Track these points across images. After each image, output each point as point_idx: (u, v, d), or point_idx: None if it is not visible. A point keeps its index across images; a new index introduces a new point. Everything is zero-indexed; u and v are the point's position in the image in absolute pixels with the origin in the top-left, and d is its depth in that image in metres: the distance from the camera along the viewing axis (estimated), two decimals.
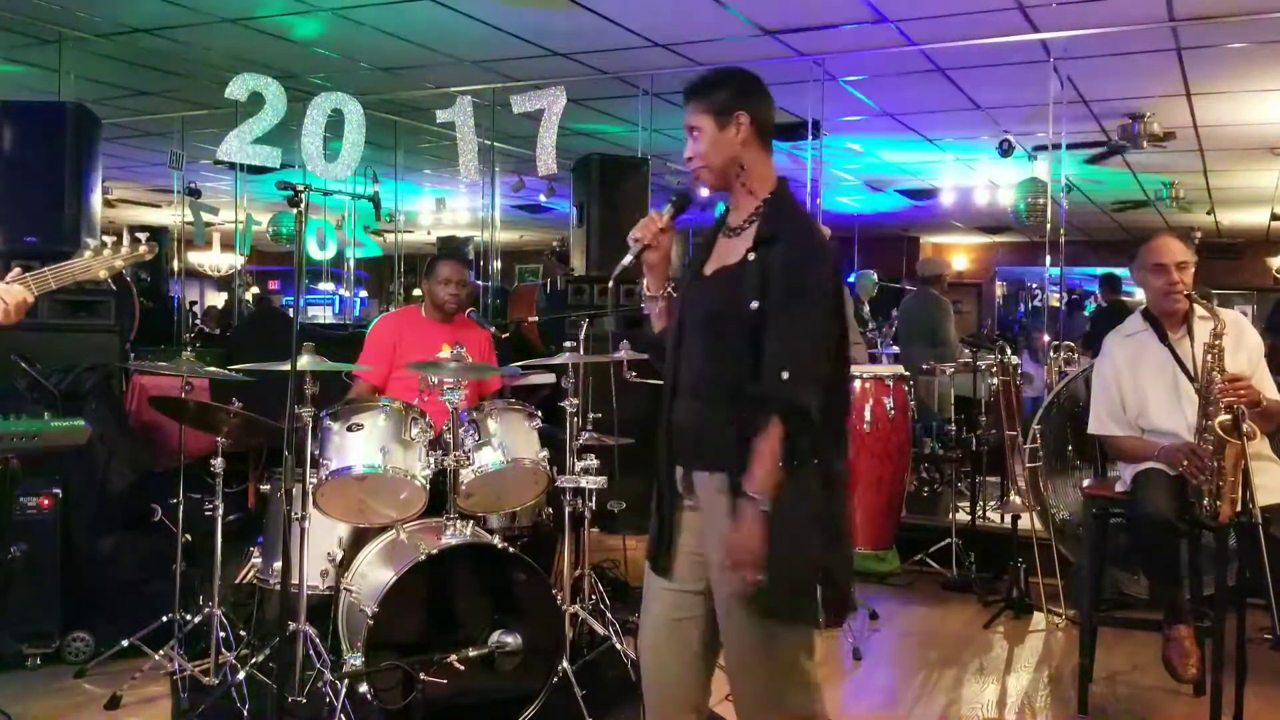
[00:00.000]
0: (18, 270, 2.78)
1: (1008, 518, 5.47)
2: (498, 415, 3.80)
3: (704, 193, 2.48)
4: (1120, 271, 15.01)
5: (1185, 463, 3.38)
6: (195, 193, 9.69)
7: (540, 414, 3.92)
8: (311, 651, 3.47)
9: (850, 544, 2.35)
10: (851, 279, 11.18)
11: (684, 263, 2.59)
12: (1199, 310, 3.57)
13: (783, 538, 2.14)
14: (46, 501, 4.10)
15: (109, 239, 2.91)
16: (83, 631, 4.08)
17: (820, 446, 2.19)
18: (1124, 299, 11.02)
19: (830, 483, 2.22)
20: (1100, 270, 11.63)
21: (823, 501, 2.20)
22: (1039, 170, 7.94)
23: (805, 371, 2.16)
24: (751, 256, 2.25)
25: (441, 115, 5.28)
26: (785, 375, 2.14)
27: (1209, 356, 3.39)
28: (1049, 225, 7.19)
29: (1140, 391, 3.67)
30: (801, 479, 2.17)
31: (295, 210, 3.05)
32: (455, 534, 3.51)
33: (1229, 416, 3.29)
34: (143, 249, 2.93)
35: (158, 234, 9.64)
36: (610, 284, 2.57)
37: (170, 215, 10.87)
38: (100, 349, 4.71)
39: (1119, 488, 3.79)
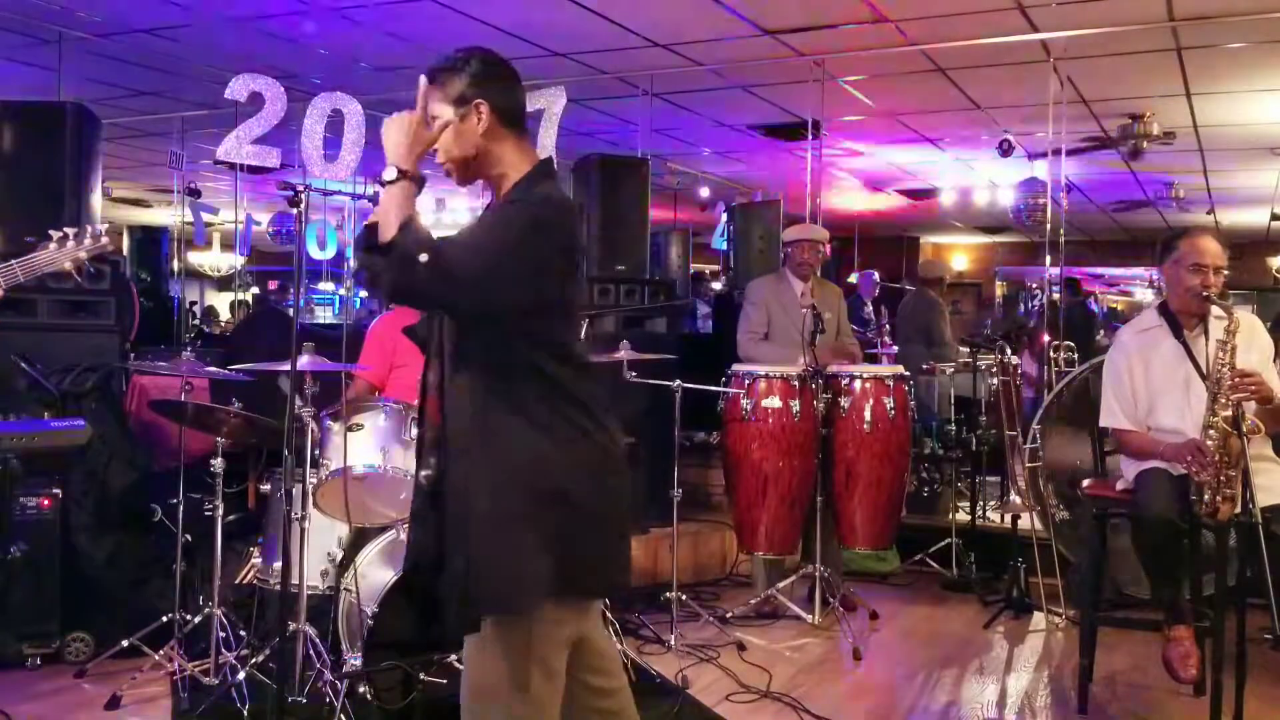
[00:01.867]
0: None
1: (1007, 517, 5.47)
2: None
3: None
4: (1107, 272, 15.01)
5: (1189, 458, 3.37)
6: (195, 193, 9.70)
7: None
8: (311, 651, 3.47)
9: (590, 532, 2.13)
10: (853, 279, 11.19)
11: None
12: (1215, 310, 3.57)
13: (472, 518, 2.05)
14: (46, 501, 4.10)
15: (70, 230, 2.92)
16: (83, 631, 4.08)
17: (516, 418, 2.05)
18: (1083, 300, 11.08)
19: (547, 451, 2.07)
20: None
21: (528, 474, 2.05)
22: (1039, 170, 7.94)
23: (445, 263, 1.95)
24: None
25: None
26: (424, 258, 1.93)
27: (1221, 352, 3.39)
28: (1049, 225, 7.19)
29: (1151, 388, 3.67)
30: (501, 442, 2.04)
31: (295, 210, 3.05)
32: None
33: (1233, 412, 3.29)
34: (105, 240, 2.97)
35: (157, 234, 9.67)
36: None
37: (170, 215, 10.88)
38: (100, 349, 4.70)
39: (1119, 486, 3.79)
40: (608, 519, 2.18)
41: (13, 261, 2.82)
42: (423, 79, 2.19)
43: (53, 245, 2.90)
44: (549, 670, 2.14)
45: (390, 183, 2.04)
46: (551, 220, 2.09)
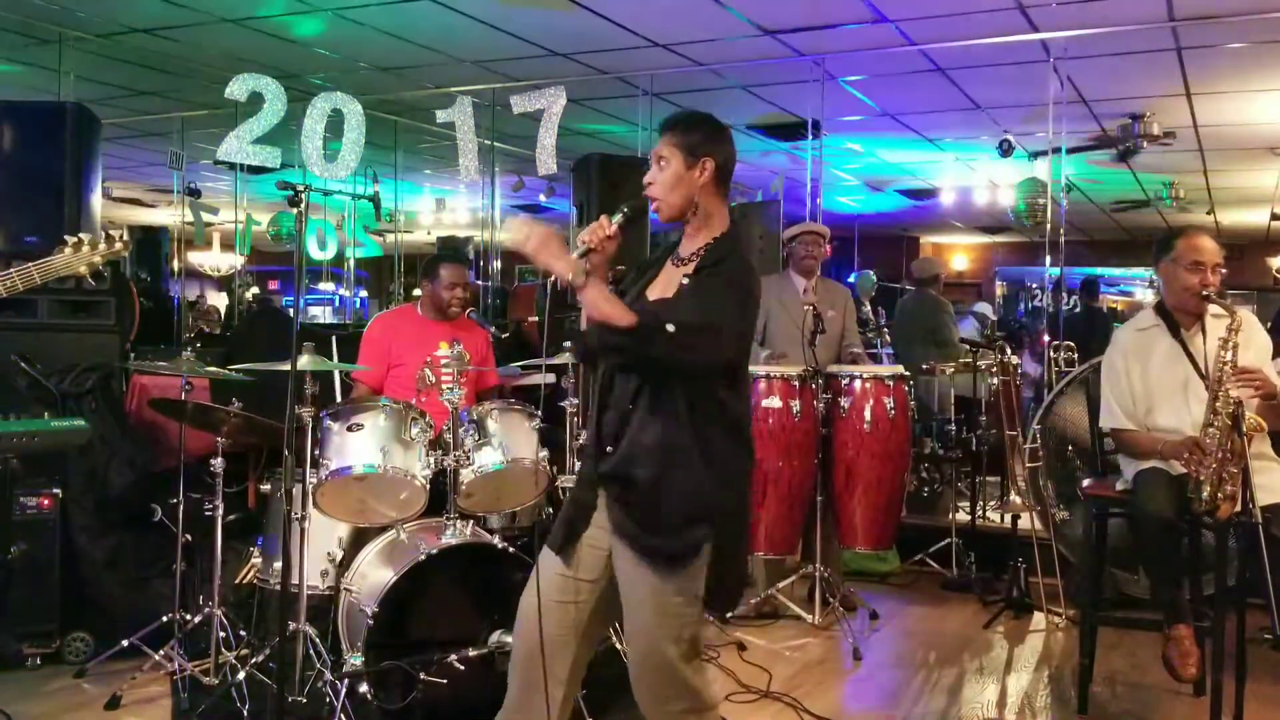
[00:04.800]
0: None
1: (1007, 517, 5.47)
2: (498, 415, 3.80)
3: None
4: (1106, 272, 14.97)
5: (1188, 455, 3.37)
6: (195, 193, 9.70)
7: (540, 414, 3.92)
8: (311, 651, 3.47)
9: (744, 535, 2.57)
10: (852, 279, 11.20)
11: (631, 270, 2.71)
12: (1213, 309, 3.57)
13: (672, 493, 2.38)
14: (46, 501, 4.10)
15: (85, 235, 3.02)
16: (83, 631, 4.08)
17: (714, 431, 2.40)
18: (1098, 305, 11.05)
19: (718, 463, 2.41)
20: (1082, 271, 11.64)
21: (712, 476, 2.39)
22: (1039, 170, 7.94)
23: (691, 334, 2.32)
24: (686, 282, 2.46)
25: (441, 115, 5.28)
26: (670, 329, 2.31)
27: (1223, 350, 3.39)
28: (1049, 225, 7.19)
29: (1149, 387, 3.67)
30: (688, 447, 2.38)
31: (295, 210, 3.06)
32: (455, 534, 3.51)
33: (1234, 409, 3.29)
34: (118, 245, 3.06)
35: (157, 234, 9.67)
36: (545, 285, 2.66)
37: (170, 215, 10.88)
38: (100, 349, 4.70)
39: (1119, 486, 3.79)
40: (743, 539, 2.57)
41: (30, 265, 2.92)
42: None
43: (68, 250, 2.98)
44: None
45: (584, 288, 2.36)
46: (754, 288, 2.49)
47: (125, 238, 3.08)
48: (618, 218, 2.47)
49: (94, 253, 2.99)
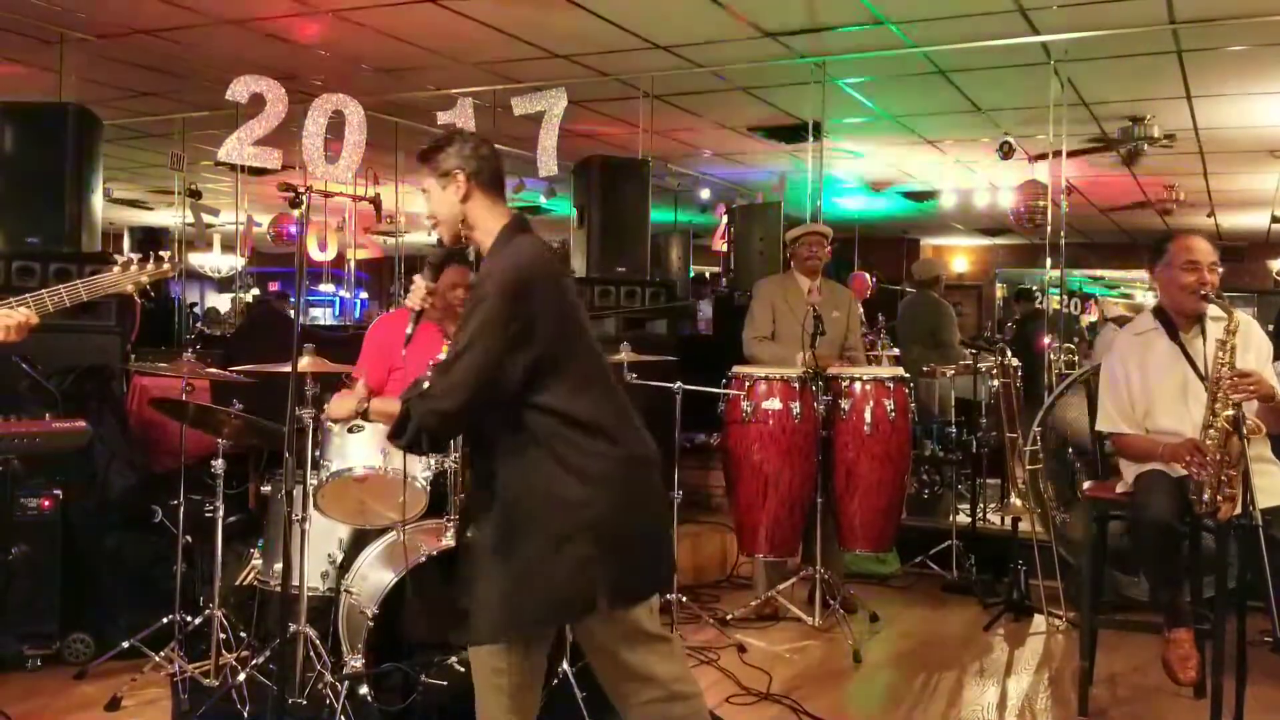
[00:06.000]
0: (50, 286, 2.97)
1: (1008, 520, 5.47)
2: None
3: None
4: (1106, 274, 14.92)
5: (1188, 458, 3.37)
6: (196, 194, 9.70)
7: None
8: (312, 653, 3.47)
9: (636, 527, 2.45)
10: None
11: None
12: (1212, 310, 3.57)
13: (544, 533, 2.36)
14: (47, 502, 4.10)
15: (136, 255, 3.09)
16: (83, 632, 4.08)
17: (561, 443, 2.35)
18: (1039, 309, 11.09)
19: (577, 472, 2.35)
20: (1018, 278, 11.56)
21: (578, 490, 2.35)
22: (1039, 172, 7.94)
23: (442, 393, 2.31)
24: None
25: (442, 117, 5.28)
26: (425, 385, 2.34)
27: (1221, 352, 3.39)
28: (1049, 227, 7.19)
29: (1148, 390, 3.67)
30: (542, 477, 2.36)
31: (296, 211, 3.06)
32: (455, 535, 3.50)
33: (1234, 413, 3.29)
34: (166, 266, 3.12)
35: (158, 235, 9.68)
36: (406, 340, 2.74)
37: (171, 216, 10.88)
38: (101, 350, 4.70)
39: (1119, 489, 3.79)
40: (637, 528, 2.46)
41: (78, 282, 2.98)
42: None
43: (117, 269, 3.05)
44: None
45: (367, 418, 2.63)
46: (518, 285, 2.35)
47: (174, 258, 3.15)
48: (427, 273, 2.60)
49: (142, 272, 3.06)
